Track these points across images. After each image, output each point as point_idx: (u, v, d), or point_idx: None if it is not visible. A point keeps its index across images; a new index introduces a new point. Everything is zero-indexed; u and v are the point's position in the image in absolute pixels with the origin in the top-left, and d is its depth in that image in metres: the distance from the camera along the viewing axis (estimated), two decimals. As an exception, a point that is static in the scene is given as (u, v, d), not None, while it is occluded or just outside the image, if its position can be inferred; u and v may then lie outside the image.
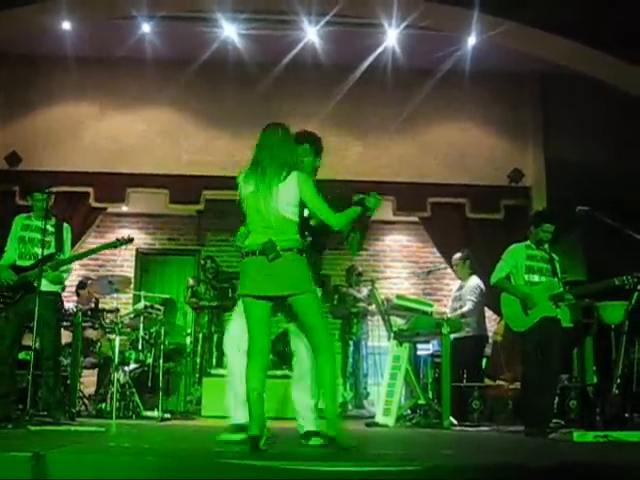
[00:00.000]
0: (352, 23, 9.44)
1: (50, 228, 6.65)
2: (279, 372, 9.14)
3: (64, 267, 6.70)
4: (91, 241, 10.61)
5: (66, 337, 7.87)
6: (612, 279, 6.56)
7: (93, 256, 10.43)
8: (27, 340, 6.94)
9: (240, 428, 4.71)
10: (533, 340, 6.57)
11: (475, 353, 8.74)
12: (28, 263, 6.56)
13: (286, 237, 4.33)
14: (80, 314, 8.10)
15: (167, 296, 10.10)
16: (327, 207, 4.45)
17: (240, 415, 4.77)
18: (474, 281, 8.77)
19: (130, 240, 7.08)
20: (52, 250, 6.62)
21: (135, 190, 10.32)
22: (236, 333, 4.86)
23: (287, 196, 4.35)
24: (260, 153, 4.46)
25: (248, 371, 4.31)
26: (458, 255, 9.06)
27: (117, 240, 7.03)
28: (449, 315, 8.63)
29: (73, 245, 9.18)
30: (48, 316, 6.40)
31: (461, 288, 8.92)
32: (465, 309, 8.59)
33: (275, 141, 4.46)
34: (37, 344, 6.38)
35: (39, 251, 6.41)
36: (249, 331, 4.42)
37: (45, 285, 6.37)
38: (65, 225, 6.91)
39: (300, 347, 4.82)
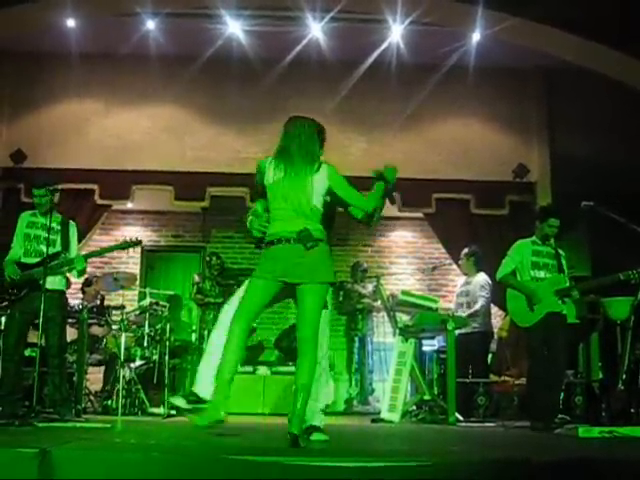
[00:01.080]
0: (356, 19, 9.44)
1: (56, 226, 6.63)
2: (284, 368, 9.18)
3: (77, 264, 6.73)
4: (96, 238, 10.65)
5: (72, 334, 7.88)
6: (617, 274, 6.56)
7: (98, 253, 10.51)
8: (33, 337, 6.95)
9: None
10: (539, 336, 6.57)
11: (481, 349, 8.73)
12: (33, 260, 6.55)
13: (317, 227, 4.45)
14: (86, 311, 8.11)
15: (172, 292, 10.10)
16: (359, 194, 4.65)
17: (206, 390, 4.83)
18: (483, 277, 8.73)
19: (139, 242, 7.10)
20: (58, 248, 6.63)
21: (140, 187, 10.32)
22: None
23: (319, 187, 4.47)
24: (288, 142, 4.58)
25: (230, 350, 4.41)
26: (465, 251, 9.05)
27: (126, 242, 7.03)
28: (457, 310, 8.60)
29: (79, 242, 9.22)
30: (53, 314, 6.40)
31: (468, 284, 8.89)
32: (478, 306, 8.54)
33: (303, 132, 4.60)
34: (43, 341, 6.39)
35: (44, 249, 6.41)
36: (246, 309, 4.46)
37: (50, 283, 6.35)
38: (71, 223, 6.90)
39: None
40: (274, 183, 4.50)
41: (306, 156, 4.50)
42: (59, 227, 6.70)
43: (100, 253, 7.50)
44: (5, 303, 6.70)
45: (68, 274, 6.81)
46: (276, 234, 4.43)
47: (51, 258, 6.40)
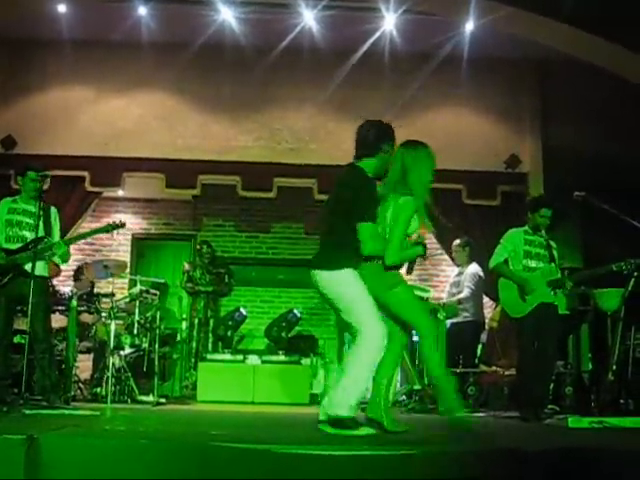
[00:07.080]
0: (350, 7, 9.36)
1: (39, 211, 6.62)
2: (274, 357, 9.18)
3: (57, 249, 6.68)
4: (86, 226, 10.58)
5: (62, 321, 7.85)
6: (610, 265, 6.57)
7: (89, 240, 10.46)
8: (22, 324, 6.91)
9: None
10: (530, 326, 6.56)
11: (472, 339, 8.76)
12: (15, 246, 6.53)
13: None
14: (75, 298, 8.08)
15: (162, 280, 10.07)
16: None
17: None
18: (474, 268, 8.80)
19: (122, 225, 7.07)
20: (41, 233, 6.59)
21: (131, 174, 10.27)
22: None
23: None
24: None
25: None
26: (457, 241, 9.07)
27: (109, 225, 7.02)
28: (445, 300, 8.65)
29: (69, 229, 9.16)
30: (37, 299, 6.36)
31: (460, 274, 8.93)
32: (462, 295, 8.61)
33: None
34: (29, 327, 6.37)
35: (27, 234, 6.40)
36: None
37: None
38: (52, 208, 6.88)
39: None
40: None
41: None
42: (41, 212, 6.66)
43: (83, 237, 7.47)
44: (-10, 290, 6.66)
45: (55, 259, 6.77)
46: None
47: (34, 243, 6.38)
